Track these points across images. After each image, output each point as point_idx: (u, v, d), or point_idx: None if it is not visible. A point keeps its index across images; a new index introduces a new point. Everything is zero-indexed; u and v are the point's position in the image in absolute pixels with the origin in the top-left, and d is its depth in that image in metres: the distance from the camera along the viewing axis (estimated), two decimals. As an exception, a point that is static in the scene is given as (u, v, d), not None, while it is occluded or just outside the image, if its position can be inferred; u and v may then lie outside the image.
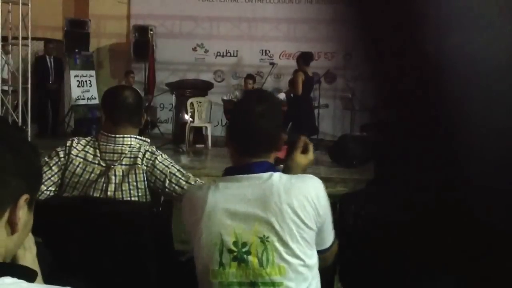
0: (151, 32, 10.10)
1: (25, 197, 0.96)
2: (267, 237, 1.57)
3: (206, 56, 10.70)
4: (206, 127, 9.13)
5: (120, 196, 2.26)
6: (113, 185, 2.26)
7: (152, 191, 2.29)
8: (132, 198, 2.27)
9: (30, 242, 1.12)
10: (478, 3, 0.40)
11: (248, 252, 1.59)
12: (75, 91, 9.67)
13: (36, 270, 1.01)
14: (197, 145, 9.03)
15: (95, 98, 9.66)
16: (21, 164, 0.96)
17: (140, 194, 2.27)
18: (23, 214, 0.97)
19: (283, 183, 1.60)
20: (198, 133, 9.15)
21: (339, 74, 10.10)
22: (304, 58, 7.77)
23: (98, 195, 2.25)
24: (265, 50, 10.55)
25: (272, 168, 1.66)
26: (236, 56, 10.68)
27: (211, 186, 1.68)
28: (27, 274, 0.94)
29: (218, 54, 10.69)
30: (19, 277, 0.92)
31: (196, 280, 2.31)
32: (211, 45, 10.64)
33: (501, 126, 0.40)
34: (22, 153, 0.97)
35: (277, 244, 1.57)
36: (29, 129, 8.20)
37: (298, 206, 1.58)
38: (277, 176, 1.62)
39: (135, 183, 2.27)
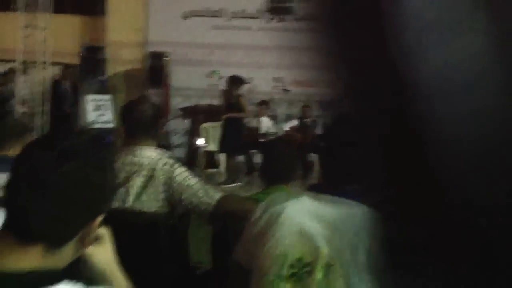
0: (166, 58, 10.26)
1: (100, 218, 1.00)
2: (332, 265, 1.54)
3: (221, 82, 10.81)
4: (218, 153, 9.15)
5: (139, 208, 2.27)
6: (132, 197, 2.28)
7: (170, 203, 2.31)
8: (151, 210, 2.28)
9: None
10: (447, 16, 0.41)
11: (309, 273, 1.56)
12: (90, 115, 9.77)
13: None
14: (210, 170, 9.04)
15: (110, 122, 9.74)
16: (92, 188, 0.98)
17: (158, 206, 2.29)
18: (95, 232, 1.01)
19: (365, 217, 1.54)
20: (211, 158, 9.18)
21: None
22: (235, 82, 8.22)
23: (117, 206, 2.27)
24: (278, 77, 10.65)
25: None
26: (250, 83, 10.78)
27: (296, 198, 1.65)
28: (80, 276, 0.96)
29: (232, 81, 10.79)
30: (77, 280, 0.94)
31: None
32: (226, 72, 10.75)
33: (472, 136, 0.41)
34: (95, 175, 0.98)
35: (340, 276, 1.53)
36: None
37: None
38: (362, 208, 1.52)
39: (153, 195, 2.28)
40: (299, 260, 1.57)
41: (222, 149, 8.52)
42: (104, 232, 1.14)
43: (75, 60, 10.36)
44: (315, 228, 1.57)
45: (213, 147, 9.10)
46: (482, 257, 0.40)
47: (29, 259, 0.92)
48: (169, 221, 2.29)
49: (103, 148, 1.04)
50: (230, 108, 8.18)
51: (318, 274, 1.54)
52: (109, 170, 1.02)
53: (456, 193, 0.40)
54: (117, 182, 1.09)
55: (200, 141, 8.96)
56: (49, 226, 0.93)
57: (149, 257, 2.24)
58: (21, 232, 0.93)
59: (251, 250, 1.64)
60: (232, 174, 8.45)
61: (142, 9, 10.85)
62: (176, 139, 10.57)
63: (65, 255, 0.97)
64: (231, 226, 2.15)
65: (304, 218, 1.59)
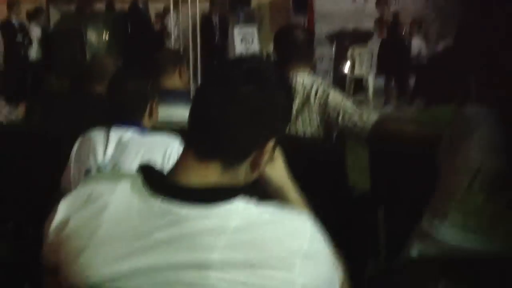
0: (310, -16, 10.06)
1: (272, 142, 1.01)
2: None
3: (366, 5, 10.38)
4: (366, 78, 8.93)
5: (295, 131, 2.32)
6: (288, 121, 2.32)
7: (325, 126, 2.32)
8: (307, 133, 2.32)
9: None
10: None
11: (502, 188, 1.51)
12: (239, 47, 10.04)
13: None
14: (357, 96, 8.89)
15: (256, 52, 9.91)
16: (273, 109, 0.98)
17: (314, 129, 2.32)
18: (267, 157, 1.01)
19: None
20: (359, 84, 9.00)
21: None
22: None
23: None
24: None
25: None
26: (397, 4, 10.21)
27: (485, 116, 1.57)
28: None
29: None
30: (252, 196, 0.96)
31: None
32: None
33: None
34: (276, 97, 0.99)
35: None
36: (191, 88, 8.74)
37: None
38: None
39: (308, 119, 2.31)
40: (493, 174, 1.49)
41: (377, 71, 8.40)
42: (277, 150, 1.15)
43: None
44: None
45: (360, 72, 8.90)
46: None
47: (208, 175, 0.97)
48: (326, 144, 2.31)
49: (282, 72, 1.05)
50: (383, 28, 7.88)
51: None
52: (289, 93, 1.03)
53: None
54: (293, 106, 1.09)
55: (348, 66, 8.81)
56: (227, 143, 0.97)
57: (306, 180, 2.30)
58: (201, 149, 0.98)
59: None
60: (385, 96, 8.31)
61: None
62: (322, 66, 10.48)
63: (240, 174, 1.00)
64: (390, 148, 2.12)
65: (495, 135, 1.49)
